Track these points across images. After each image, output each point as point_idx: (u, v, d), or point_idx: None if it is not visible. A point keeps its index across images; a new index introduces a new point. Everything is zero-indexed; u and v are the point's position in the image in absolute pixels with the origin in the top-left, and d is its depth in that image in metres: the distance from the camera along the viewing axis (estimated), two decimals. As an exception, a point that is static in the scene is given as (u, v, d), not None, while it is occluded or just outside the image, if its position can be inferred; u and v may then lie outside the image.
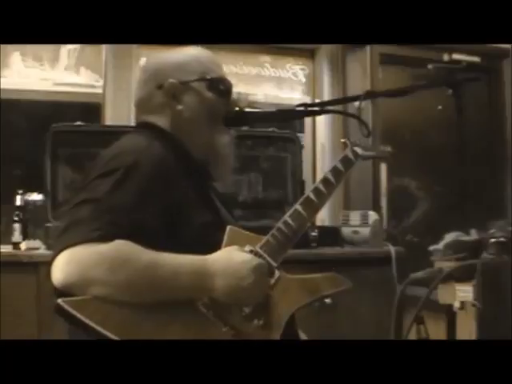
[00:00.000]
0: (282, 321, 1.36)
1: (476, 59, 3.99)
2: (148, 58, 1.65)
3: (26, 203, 2.91)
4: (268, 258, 1.38)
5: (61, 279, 1.20)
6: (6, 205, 3.04)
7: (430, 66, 3.79)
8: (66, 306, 1.16)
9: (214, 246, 1.35)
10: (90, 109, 3.53)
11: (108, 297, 1.19)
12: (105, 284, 1.19)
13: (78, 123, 2.95)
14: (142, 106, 1.54)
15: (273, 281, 1.38)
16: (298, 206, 1.47)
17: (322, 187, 1.50)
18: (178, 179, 1.38)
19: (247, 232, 1.43)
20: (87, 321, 1.16)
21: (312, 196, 1.49)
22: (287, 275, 1.41)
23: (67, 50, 3.49)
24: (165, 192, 1.32)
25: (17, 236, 2.76)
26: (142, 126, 1.52)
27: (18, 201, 2.82)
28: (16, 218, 2.78)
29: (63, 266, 1.20)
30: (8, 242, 2.77)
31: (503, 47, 3.97)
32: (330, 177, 1.52)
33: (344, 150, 1.60)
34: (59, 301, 1.17)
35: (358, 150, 1.59)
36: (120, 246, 1.21)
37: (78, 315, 1.16)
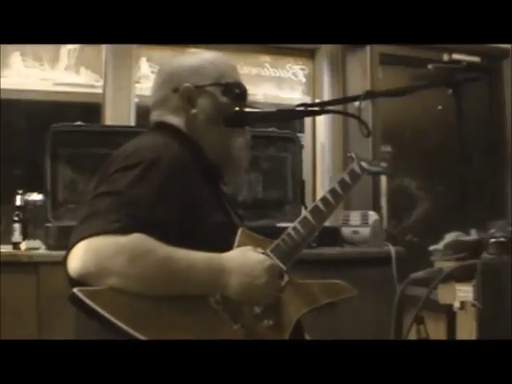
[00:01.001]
0: (290, 323, 1.40)
1: (476, 59, 3.99)
2: (165, 61, 1.67)
3: (26, 203, 2.91)
4: (278, 262, 1.42)
5: (78, 268, 1.20)
6: (6, 205, 3.04)
7: (429, 66, 3.79)
8: (81, 295, 1.16)
9: (227, 246, 1.38)
10: (90, 109, 3.53)
11: (124, 288, 1.20)
12: (121, 275, 1.19)
13: (78, 123, 2.95)
14: (157, 108, 1.56)
15: (283, 283, 1.42)
16: (307, 214, 1.52)
17: (330, 198, 1.56)
18: (195, 178, 1.40)
19: (258, 235, 1.47)
20: (102, 311, 1.16)
21: (321, 205, 1.54)
22: (296, 279, 1.45)
23: (67, 50, 3.49)
24: (183, 189, 1.34)
25: (17, 236, 2.75)
26: (158, 126, 1.54)
27: (18, 201, 2.82)
28: (16, 218, 2.78)
29: (81, 256, 1.20)
30: (8, 241, 2.77)
31: (503, 47, 3.97)
32: (338, 188, 1.59)
33: (351, 163, 1.65)
34: (75, 290, 1.17)
35: (365, 164, 1.64)
36: (138, 239, 1.22)
37: (93, 305, 1.16)
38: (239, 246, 1.40)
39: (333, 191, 1.58)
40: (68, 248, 1.23)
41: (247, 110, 1.52)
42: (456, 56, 3.90)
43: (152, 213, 1.27)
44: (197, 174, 1.42)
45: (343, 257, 2.97)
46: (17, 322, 2.47)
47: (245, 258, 1.35)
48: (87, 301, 1.16)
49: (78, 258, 1.20)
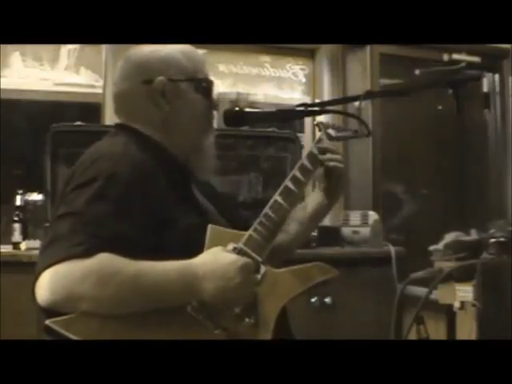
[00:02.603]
0: (272, 315, 1.34)
1: (476, 59, 3.99)
2: (133, 49, 1.59)
3: (26, 203, 2.91)
4: (252, 254, 1.35)
5: (47, 298, 1.19)
6: (5, 205, 3.04)
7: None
8: (55, 327, 1.16)
9: (201, 248, 1.33)
10: (90, 109, 3.53)
11: (96, 311, 1.19)
12: (92, 298, 1.18)
13: (78, 123, 2.95)
14: (122, 101, 1.50)
15: (259, 276, 1.35)
16: (277, 197, 1.43)
17: (299, 175, 1.46)
18: (159, 182, 1.35)
19: (229, 229, 1.41)
20: (79, 339, 1.17)
21: (290, 185, 1.44)
22: (273, 269, 1.38)
23: (67, 50, 3.49)
24: (145, 198, 1.30)
25: (17, 236, 2.75)
26: (121, 127, 1.49)
27: (18, 201, 2.82)
28: (16, 218, 2.78)
29: (48, 284, 1.19)
30: (8, 242, 2.77)
31: (503, 47, 3.97)
32: (307, 163, 1.49)
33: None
34: (47, 322, 1.17)
35: (332, 132, 1.55)
36: (104, 259, 1.20)
37: (69, 335, 1.16)
38: (210, 245, 1.34)
39: (302, 168, 1.47)
40: (34, 277, 1.21)
41: (247, 109, 1.51)
42: (456, 56, 3.90)
43: (115, 229, 1.23)
44: (163, 178, 1.37)
45: (343, 257, 2.97)
46: (17, 321, 2.46)
47: (216, 260, 1.29)
48: (62, 331, 1.16)
49: (46, 287, 1.18)
